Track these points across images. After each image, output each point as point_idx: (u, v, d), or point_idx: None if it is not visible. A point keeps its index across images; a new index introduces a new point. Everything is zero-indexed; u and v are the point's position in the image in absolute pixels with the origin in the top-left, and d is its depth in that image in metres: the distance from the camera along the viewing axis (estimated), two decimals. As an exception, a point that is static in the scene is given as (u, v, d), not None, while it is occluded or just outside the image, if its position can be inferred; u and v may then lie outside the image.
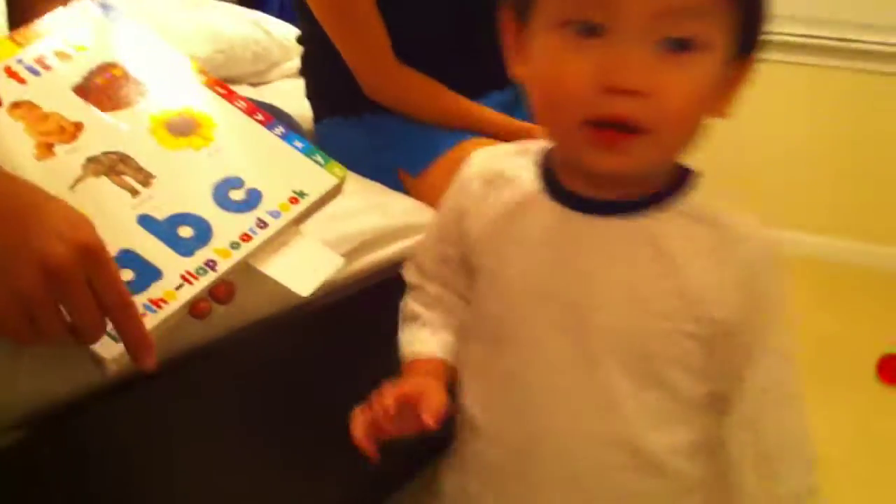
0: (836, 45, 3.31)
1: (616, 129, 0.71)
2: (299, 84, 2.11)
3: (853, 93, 3.31)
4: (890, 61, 3.24)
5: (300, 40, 1.74)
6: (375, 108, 1.57)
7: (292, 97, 1.80)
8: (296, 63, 2.24)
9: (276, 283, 0.89)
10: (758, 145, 3.44)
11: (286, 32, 2.29)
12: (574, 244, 0.81)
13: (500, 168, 0.89)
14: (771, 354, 0.79)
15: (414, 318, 0.98)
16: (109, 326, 0.77)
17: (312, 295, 0.90)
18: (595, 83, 0.70)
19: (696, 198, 0.79)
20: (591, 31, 0.71)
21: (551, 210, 0.82)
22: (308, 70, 1.73)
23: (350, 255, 1.23)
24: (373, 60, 1.53)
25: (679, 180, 0.80)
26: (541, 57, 0.75)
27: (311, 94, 1.72)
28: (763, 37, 0.76)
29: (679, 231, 0.78)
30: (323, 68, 1.65)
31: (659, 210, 0.79)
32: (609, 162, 0.74)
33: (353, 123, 1.60)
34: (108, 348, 0.78)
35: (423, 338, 0.96)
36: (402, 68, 1.53)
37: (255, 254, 0.89)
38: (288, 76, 2.22)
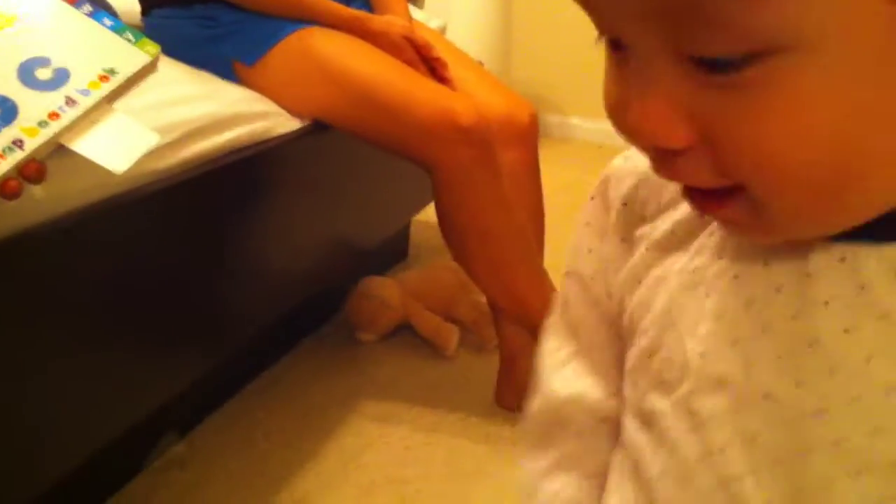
0: None
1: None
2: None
3: None
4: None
5: None
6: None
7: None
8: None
9: (91, 163, 0.87)
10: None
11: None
12: None
13: None
14: None
15: None
16: None
17: (130, 180, 0.88)
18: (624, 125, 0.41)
19: None
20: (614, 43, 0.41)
21: None
22: None
23: (179, 143, 1.20)
24: None
25: None
26: None
27: None
28: None
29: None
30: None
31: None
32: (735, 229, 0.45)
33: (184, 14, 1.55)
34: None
35: None
36: None
37: (64, 133, 0.87)
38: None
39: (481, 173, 1.42)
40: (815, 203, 0.39)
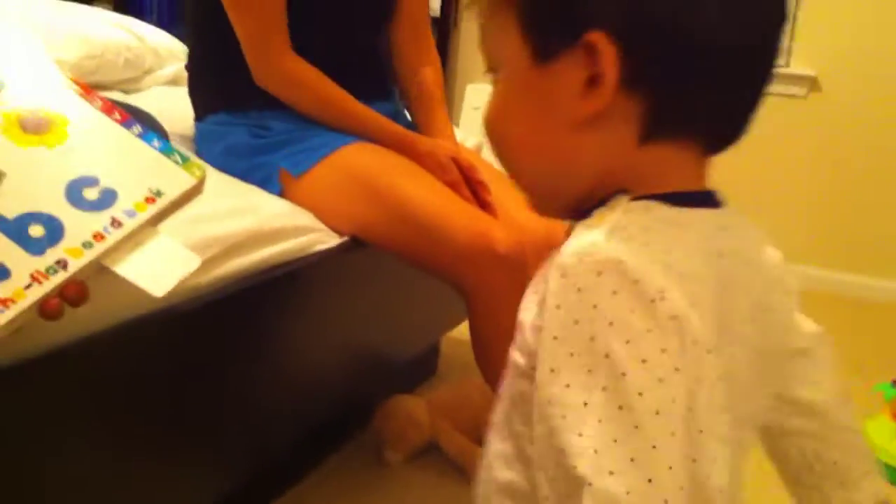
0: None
1: None
2: (173, 91, 2.07)
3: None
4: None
5: (189, 33, 1.71)
6: (262, 106, 1.56)
7: (165, 104, 1.76)
8: (169, 71, 2.21)
9: (131, 284, 0.86)
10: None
11: (161, 40, 2.24)
12: None
13: None
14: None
15: None
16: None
17: (167, 295, 0.86)
18: None
19: (597, 213, 0.66)
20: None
21: None
22: (195, 64, 1.70)
23: (218, 259, 1.20)
24: (269, 42, 1.51)
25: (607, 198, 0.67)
26: None
27: (196, 90, 1.69)
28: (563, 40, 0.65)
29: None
30: (212, 62, 1.63)
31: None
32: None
33: (237, 121, 1.58)
34: None
35: None
36: (296, 57, 1.52)
37: (108, 254, 0.86)
38: (161, 83, 2.17)
39: (516, 300, 1.40)
40: (520, 162, 0.71)
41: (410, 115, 1.78)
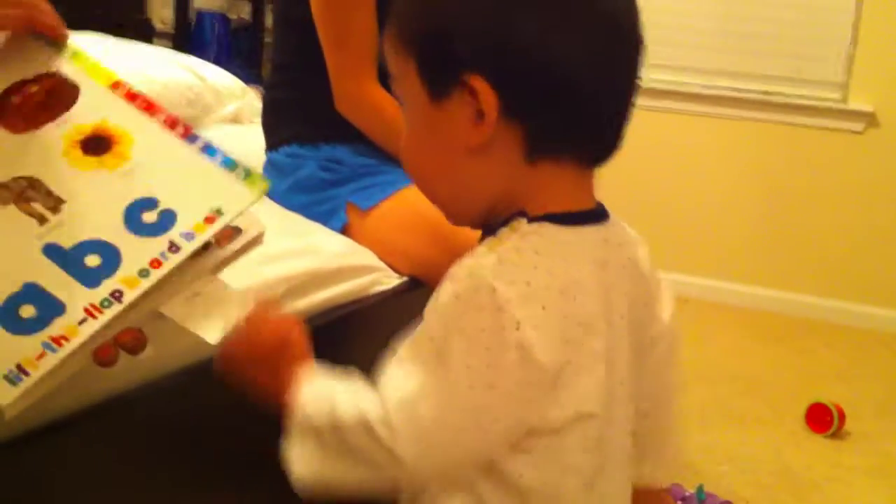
0: (759, 98, 3.41)
1: None
2: (233, 129, 2.09)
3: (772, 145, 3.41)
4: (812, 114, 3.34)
5: (274, 64, 1.74)
6: (333, 140, 1.58)
7: (226, 142, 1.76)
8: (229, 109, 2.23)
9: (187, 331, 0.85)
10: (688, 195, 3.52)
11: (221, 79, 2.26)
12: None
13: None
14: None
15: None
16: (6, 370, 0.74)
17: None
18: None
19: (502, 233, 0.78)
20: None
21: None
22: (273, 93, 1.72)
23: (281, 300, 1.20)
24: (356, 67, 1.53)
25: (510, 218, 0.80)
26: None
27: (270, 119, 1.70)
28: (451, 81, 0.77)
29: None
30: (289, 92, 1.65)
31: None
32: None
33: (310, 154, 1.59)
34: (4, 394, 0.74)
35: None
36: (379, 86, 1.53)
37: (165, 301, 0.84)
38: (222, 122, 2.19)
39: None
40: (425, 179, 0.84)
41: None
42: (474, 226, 0.85)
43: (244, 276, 0.93)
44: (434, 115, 0.78)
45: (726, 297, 3.49)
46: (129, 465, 0.99)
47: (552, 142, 0.77)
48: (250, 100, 2.31)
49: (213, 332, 0.85)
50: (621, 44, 0.77)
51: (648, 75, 3.44)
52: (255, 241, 0.93)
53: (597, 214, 0.81)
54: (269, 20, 4.02)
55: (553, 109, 0.75)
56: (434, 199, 0.85)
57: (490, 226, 0.81)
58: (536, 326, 0.72)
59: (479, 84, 0.73)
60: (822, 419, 2.40)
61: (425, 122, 0.79)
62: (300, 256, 1.30)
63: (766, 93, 3.41)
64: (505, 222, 0.78)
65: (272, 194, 1.55)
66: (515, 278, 0.72)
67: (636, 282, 0.84)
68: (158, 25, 4.05)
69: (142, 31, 3.75)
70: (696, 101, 3.51)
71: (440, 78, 0.76)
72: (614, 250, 0.81)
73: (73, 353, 0.78)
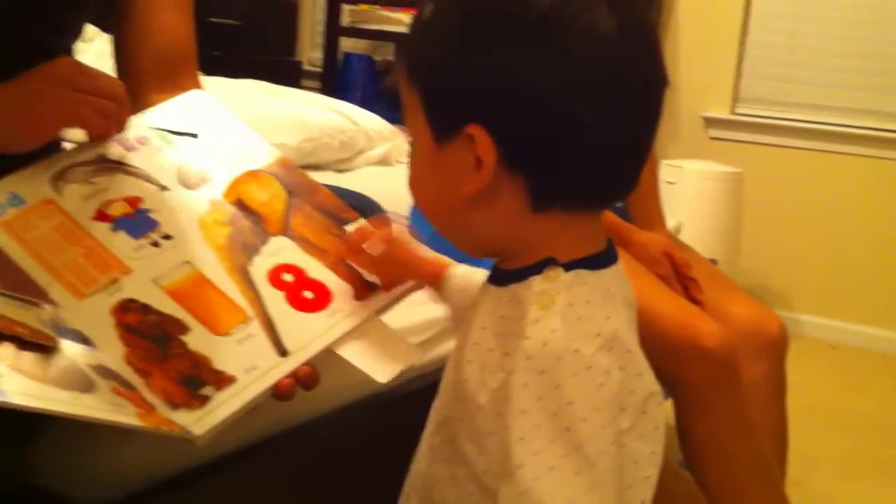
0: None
1: None
2: (382, 171, 2.18)
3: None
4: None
5: None
6: None
7: (377, 183, 1.85)
8: (379, 151, 2.32)
9: (355, 369, 0.92)
10: (836, 237, 3.44)
11: (371, 121, 2.36)
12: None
13: None
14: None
15: None
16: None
17: (389, 383, 0.91)
18: None
19: (537, 284, 0.75)
20: None
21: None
22: None
23: (432, 341, 1.25)
24: None
25: (540, 265, 0.76)
26: None
27: None
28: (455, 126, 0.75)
29: (495, 308, 0.78)
30: None
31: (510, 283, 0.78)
32: None
33: None
34: (200, 425, 0.81)
35: None
36: None
37: (337, 341, 0.92)
38: (371, 163, 2.28)
39: (722, 396, 1.37)
40: (434, 213, 0.82)
41: (623, 203, 1.79)
42: (481, 257, 0.84)
43: (402, 317, 0.99)
44: (437, 157, 0.77)
45: (875, 344, 3.37)
46: (302, 491, 1.05)
47: (556, 194, 0.75)
48: (399, 142, 2.39)
49: (382, 372, 0.91)
50: (633, 88, 0.75)
51: (801, 115, 3.42)
52: (416, 286, 0.99)
53: (613, 254, 0.80)
54: (412, 61, 4.14)
55: (554, 164, 0.74)
56: (442, 233, 0.84)
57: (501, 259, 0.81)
58: (622, 367, 0.73)
59: (480, 134, 0.73)
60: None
61: (430, 162, 0.79)
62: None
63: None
64: (531, 269, 0.76)
65: (420, 238, 1.61)
66: (586, 333, 0.72)
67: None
68: (306, 67, 4.24)
69: (291, 73, 3.95)
70: (845, 140, 3.43)
71: (444, 124, 0.76)
72: (627, 290, 0.81)
73: (267, 391, 0.86)
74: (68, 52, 1.15)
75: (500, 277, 0.79)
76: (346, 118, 2.28)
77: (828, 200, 3.46)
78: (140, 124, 1.04)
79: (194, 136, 1.05)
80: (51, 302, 0.86)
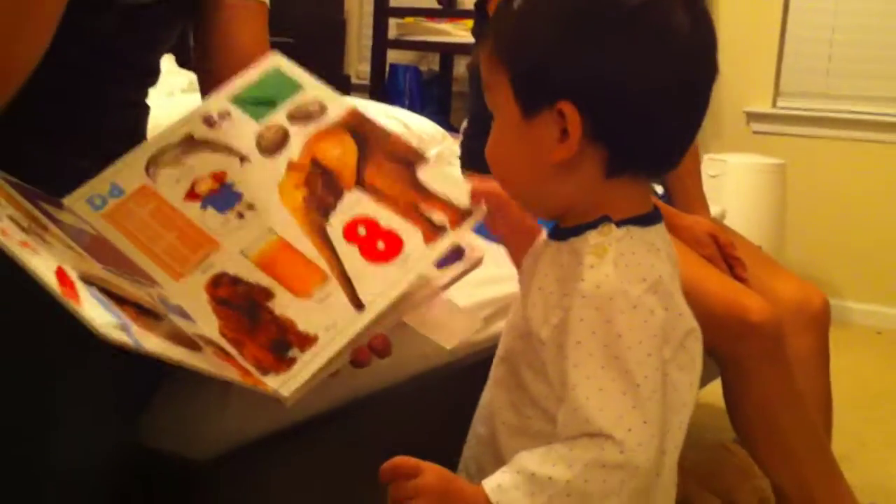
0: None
1: None
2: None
3: None
4: None
5: (472, 114, 1.94)
6: None
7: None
8: (432, 153, 2.40)
9: (421, 339, 1.01)
10: (889, 224, 3.45)
11: (424, 126, 2.46)
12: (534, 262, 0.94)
13: None
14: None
15: None
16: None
17: (455, 349, 1.00)
18: None
19: (593, 238, 0.86)
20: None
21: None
22: (471, 144, 1.91)
23: (490, 319, 1.34)
24: None
25: (596, 222, 0.88)
26: None
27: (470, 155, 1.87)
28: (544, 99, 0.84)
29: (556, 258, 0.89)
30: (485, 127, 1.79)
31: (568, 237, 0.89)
32: None
33: None
34: (287, 386, 0.86)
35: None
36: None
37: (407, 312, 0.97)
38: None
39: (769, 368, 1.44)
40: (513, 183, 0.91)
41: (664, 187, 1.86)
42: (548, 219, 0.94)
43: (463, 296, 1.07)
44: (522, 130, 0.87)
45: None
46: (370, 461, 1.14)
47: (628, 163, 0.86)
48: (449, 144, 2.48)
49: (449, 339, 1.00)
50: (701, 76, 0.87)
51: (842, 106, 3.45)
52: (476, 263, 1.04)
53: (659, 214, 0.92)
54: (457, 70, 4.23)
55: (634, 136, 0.85)
56: (515, 197, 0.94)
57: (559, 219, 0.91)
58: (666, 308, 0.84)
59: (569, 110, 0.82)
60: None
61: (515, 134, 0.88)
62: (505, 281, 1.42)
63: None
64: (588, 225, 0.87)
65: (477, 229, 1.69)
66: (633, 278, 0.83)
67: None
68: (354, 80, 4.35)
69: (341, 85, 4.04)
70: (886, 129, 3.47)
71: (533, 100, 0.85)
72: (670, 246, 0.92)
73: (345, 349, 0.90)
74: (156, 68, 1.25)
75: (559, 233, 0.90)
76: (399, 123, 2.38)
77: (871, 189, 3.49)
78: (221, 99, 1.08)
79: (273, 102, 1.07)
80: (155, 283, 0.93)
